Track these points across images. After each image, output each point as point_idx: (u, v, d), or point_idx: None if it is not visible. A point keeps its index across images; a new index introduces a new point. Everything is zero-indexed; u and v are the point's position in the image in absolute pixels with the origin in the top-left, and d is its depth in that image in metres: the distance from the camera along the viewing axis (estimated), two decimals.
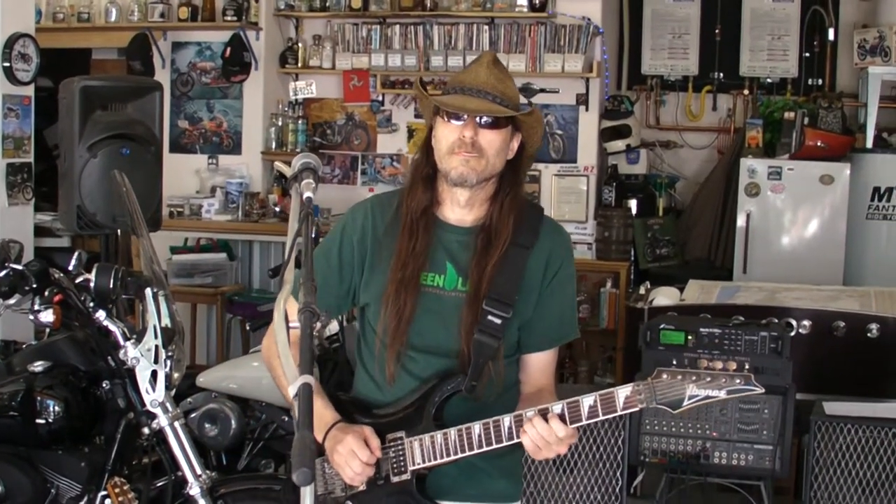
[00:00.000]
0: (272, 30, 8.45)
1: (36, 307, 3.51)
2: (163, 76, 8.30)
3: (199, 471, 3.53)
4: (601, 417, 2.50)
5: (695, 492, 4.84)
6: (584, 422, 2.50)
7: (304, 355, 1.98)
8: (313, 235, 2.33)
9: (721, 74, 8.64)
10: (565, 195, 8.15)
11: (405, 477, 2.64)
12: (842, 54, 8.33)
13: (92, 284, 3.57)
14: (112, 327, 3.54)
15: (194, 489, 3.51)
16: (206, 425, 4.83)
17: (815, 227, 7.64)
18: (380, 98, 8.40)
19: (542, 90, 8.08)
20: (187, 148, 8.61)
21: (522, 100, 2.83)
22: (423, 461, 2.62)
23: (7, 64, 6.10)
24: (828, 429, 4.64)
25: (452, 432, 2.58)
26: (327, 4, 8.32)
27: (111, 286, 3.55)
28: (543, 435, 2.48)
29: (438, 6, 8.13)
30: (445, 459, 2.60)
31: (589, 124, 8.12)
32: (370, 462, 2.60)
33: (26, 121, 6.27)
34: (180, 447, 3.52)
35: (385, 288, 2.68)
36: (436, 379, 2.66)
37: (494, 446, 2.56)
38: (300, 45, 8.49)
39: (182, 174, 8.34)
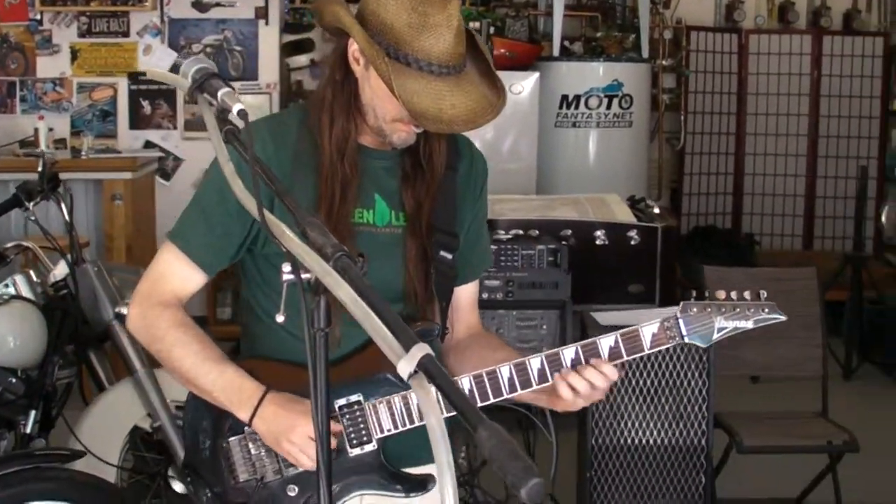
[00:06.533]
0: None
1: None
2: None
3: None
4: (625, 359, 2.21)
5: None
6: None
7: (389, 315, 1.45)
8: None
9: None
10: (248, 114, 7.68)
11: (370, 447, 2.23)
12: None
13: None
14: None
15: None
16: None
17: (506, 137, 7.61)
18: (38, 17, 7.57)
19: (218, 4, 7.62)
20: None
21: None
22: (395, 426, 2.22)
23: None
24: None
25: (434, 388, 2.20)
26: None
27: None
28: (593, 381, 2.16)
29: None
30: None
31: (269, 39, 7.72)
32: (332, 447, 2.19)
33: None
34: None
35: None
36: None
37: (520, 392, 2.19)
38: None
39: None
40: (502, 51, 7.54)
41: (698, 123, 8.89)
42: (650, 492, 4.40)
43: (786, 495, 4.95)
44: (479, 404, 2.16)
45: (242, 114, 1.74)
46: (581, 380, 2.16)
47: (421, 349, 1.39)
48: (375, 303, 1.47)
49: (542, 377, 2.18)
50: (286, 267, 1.65)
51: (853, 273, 6.93)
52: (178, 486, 4.23)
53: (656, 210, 6.50)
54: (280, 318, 1.76)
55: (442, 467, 1.25)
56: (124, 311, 4.11)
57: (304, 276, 1.62)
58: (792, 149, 8.98)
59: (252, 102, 7.64)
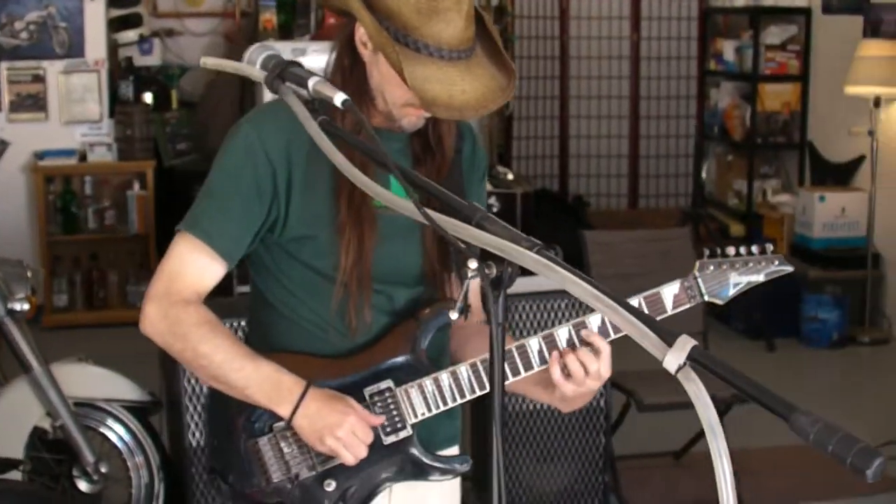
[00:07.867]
0: None
1: None
2: None
3: None
4: None
5: None
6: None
7: (631, 306, 1.34)
8: None
9: None
10: (77, 93, 7.41)
11: (405, 433, 2.19)
12: None
13: None
14: None
15: None
16: None
17: None
18: None
19: None
20: None
21: None
22: (429, 409, 2.19)
23: None
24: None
25: (464, 369, 2.16)
26: None
27: None
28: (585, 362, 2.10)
29: None
30: (460, 400, 2.19)
31: (95, 14, 7.41)
32: (370, 441, 2.15)
33: None
34: None
35: (331, 214, 2.17)
36: (411, 311, 2.22)
37: (523, 374, 2.15)
38: None
39: None
40: (333, 20, 7.47)
41: (524, 88, 9.02)
42: (552, 455, 4.48)
43: (675, 447, 5.13)
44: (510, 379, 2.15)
45: (347, 104, 1.69)
46: (574, 360, 2.10)
47: (686, 341, 1.30)
48: (612, 295, 1.39)
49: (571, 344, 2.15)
50: (472, 263, 1.61)
51: (693, 229, 7.16)
52: (83, 485, 4.10)
53: (510, 176, 6.60)
54: (454, 315, 1.73)
55: (721, 463, 1.23)
56: (17, 307, 3.94)
57: (486, 271, 1.59)
58: (615, 110, 9.22)
59: (77, 82, 7.38)
